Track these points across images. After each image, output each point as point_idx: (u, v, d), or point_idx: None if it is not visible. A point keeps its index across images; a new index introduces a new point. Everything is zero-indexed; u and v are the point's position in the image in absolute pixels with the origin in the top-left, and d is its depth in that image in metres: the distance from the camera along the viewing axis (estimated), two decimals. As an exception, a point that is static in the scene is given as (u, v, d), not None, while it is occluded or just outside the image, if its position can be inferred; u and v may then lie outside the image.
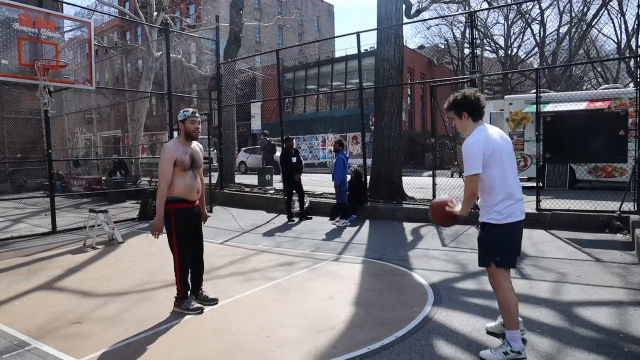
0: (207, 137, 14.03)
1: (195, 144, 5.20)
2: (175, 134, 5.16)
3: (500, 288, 3.73)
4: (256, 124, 18.99)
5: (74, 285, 6.28)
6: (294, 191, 11.28)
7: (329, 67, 35.29)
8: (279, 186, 15.16)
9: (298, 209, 11.41)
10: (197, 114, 5.15)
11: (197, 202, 5.19)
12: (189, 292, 5.19)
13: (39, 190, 20.30)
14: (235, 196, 14.25)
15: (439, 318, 4.74)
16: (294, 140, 11.92)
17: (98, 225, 9.22)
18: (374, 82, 11.91)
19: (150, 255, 8.00)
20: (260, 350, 4.15)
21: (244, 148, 27.56)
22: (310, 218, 11.15)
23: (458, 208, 3.74)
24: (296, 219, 11.04)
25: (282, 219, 11.36)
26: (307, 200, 11.84)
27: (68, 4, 10.49)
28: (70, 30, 11.51)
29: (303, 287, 5.84)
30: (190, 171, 5.03)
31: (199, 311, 5.05)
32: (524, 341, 3.95)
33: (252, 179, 18.48)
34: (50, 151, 10.48)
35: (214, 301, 5.31)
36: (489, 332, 4.26)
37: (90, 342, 4.40)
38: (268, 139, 21.63)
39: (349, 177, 11.11)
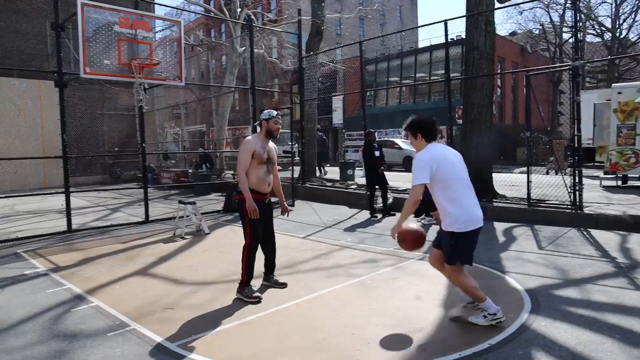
0: (288, 131, 14.27)
1: (272, 143, 5.65)
2: (258, 129, 5.63)
3: (458, 281, 4.44)
4: (338, 118, 18.94)
5: (166, 273, 6.65)
6: (377, 186, 11.17)
7: (412, 58, 34.62)
8: (361, 181, 15.12)
9: (381, 205, 11.29)
10: (279, 117, 5.64)
11: (268, 195, 5.60)
12: (251, 281, 5.50)
13: (133, 181, 21.76)
14: (316, 190, 14.39)
15: (538, 327, 4.43)
16: (376, 134, 11.81)
17: (186, 217, 9.69)
18: (462, 73, 11.50)
19: (235, 246, 8.25)
20: (345, 347, 4.14)
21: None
22: (394, 215, 10.98)
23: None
24: (379, 216, 10.94)
25: (365, 215, 11.32)
26: (391, 196, 11.70)
27: (159, 5, 11.12)
28: (161, 30, 12.13)
29: (388, 286, 5.76)
30: (265, 165, 5.46)
31: (258, 300, 5.30)
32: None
33: (334, 174, 18.59)
34: (144, 145, 11.13)
35: (283, 285, 5.76)
36: (453, 319, 4.61)
37: (182, 328, 4.63)
38: (320, 133, 21.62)
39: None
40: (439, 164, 4.19)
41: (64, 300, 5.57)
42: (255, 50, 19.66)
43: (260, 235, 5.46)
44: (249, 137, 5.48)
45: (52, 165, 19.14)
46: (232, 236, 9.20)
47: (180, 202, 10.10)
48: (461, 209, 4.21)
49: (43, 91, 20.46)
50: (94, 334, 4.56)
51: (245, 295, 5.36)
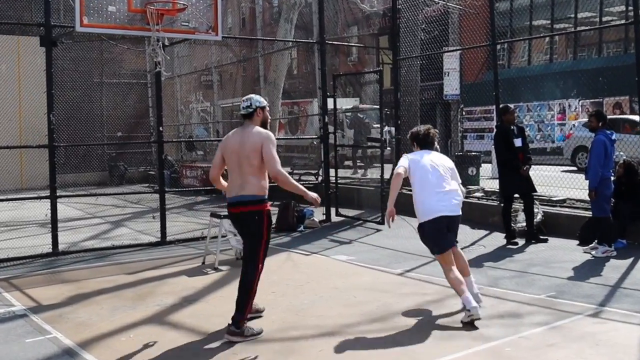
0: (373, 107, 14.21)
1: None
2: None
3: (445, 271, 6.89)
4: (451, 86, 18.51)
5: (192, 322, 6.75)
6: (516, 195, 11.00)
7: (569, -11, 33.46)
8: (490, 186, 14.85)
9: (524, 223, 11.11)
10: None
11: None
12: None
13: (143, 182, 22.47)
14: (418, 199, 14.32)
15: None
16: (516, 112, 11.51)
17: (222, 237, 9.81)
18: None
19: (296, 284, 8.27)
20: None
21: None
22: (545, 240, 10.74)
23: None
24: (520, 241, 10.77)
25: (497, 239, 11.12)
26: (539, 209, 11.45)
27: None
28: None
29: (540, 358, 5.56)
30: None
31: (261, 330, 6.36)
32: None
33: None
34: (160, 129, 11.41)
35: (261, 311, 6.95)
36: (463, 322, 6.48)
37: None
38: (361, 115, 21.19)
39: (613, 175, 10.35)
40: (413, 167, 7.19)
41: (48, 356, 5.71)
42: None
43: None
44: (260, 129, 6.57)
45: (32, 158, 19.90)
46: (290, 269, 9.23)
47: (212, 214, 10.22)
48: (419, 204, 7.13)
49: (22, 52, 21.48)
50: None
51: (250, 333, 6.22)
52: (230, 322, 6.18)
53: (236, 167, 6.47)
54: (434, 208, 6.95)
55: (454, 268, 6.81)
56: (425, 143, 7.52)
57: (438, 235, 6.95)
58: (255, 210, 6.36)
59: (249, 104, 6.66)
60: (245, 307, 6.28)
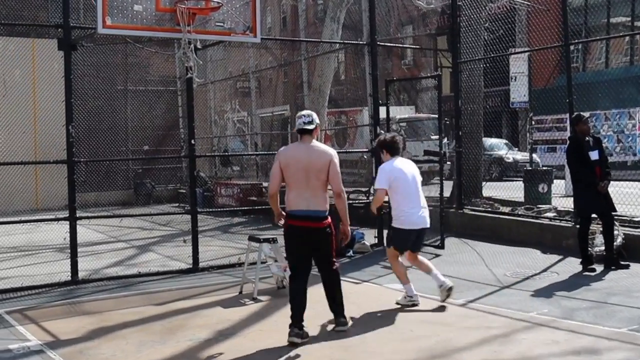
0: (431, 116, 14.22)
1: None
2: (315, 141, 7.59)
3: (392, 263, 9.15)
4: (519, 93, 18.35)
5: (231, 358, 6.82)
6: (593, 215, 10.86)
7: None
8: (564, 205, 14.72)
9: (602, 247, 10.97)
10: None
11: None
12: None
13: (172, 202, 22.73)
14: (483, 221, 14.24)
15: None
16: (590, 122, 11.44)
17: (261, 263, 9.91)
18: None
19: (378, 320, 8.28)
20: None
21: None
22: (627, 266, 10.61)
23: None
24: (598, 267, 10.62)
25: (572, 264, 11.03)
26: (620, 231, 11.27)
27: None
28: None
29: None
30: None
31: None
32: None
33: (511, 189, 18.09)
34: (192, 142, 11.60)
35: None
36: (398, 303, 8.86)
37: None
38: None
39: None
40: (395, 176, 8.81)
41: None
42: (377, -20, 19.76)
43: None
44: (324, 145, 7.87)
45: (49, 175, 20.11)
46: (374, 299, 9.25)
47: (251, 238, 10.32)
48: (401, 214, 8.87)
49: (37, 56, 21.89)
50: None
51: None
52: (339, 320, 7.72)
53: (303, 181, 7.57)
54: (415, 221, 8.90)
55: (400, 260, 9.09)
56: (395, 150, 9.14)
57: (408, 240, 8.97)
58: (326, 225, 7.65)
59: (310, 120, 7.73)
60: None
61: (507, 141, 29.96)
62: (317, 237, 7.66)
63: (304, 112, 8.00)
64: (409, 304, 8.79)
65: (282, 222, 7.96)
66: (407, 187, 8.87)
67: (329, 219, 7.69)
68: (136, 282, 10.77)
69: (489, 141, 28.13)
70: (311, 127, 7.73)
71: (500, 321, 7.95)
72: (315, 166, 7.58)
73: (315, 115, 7.88)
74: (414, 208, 8.86)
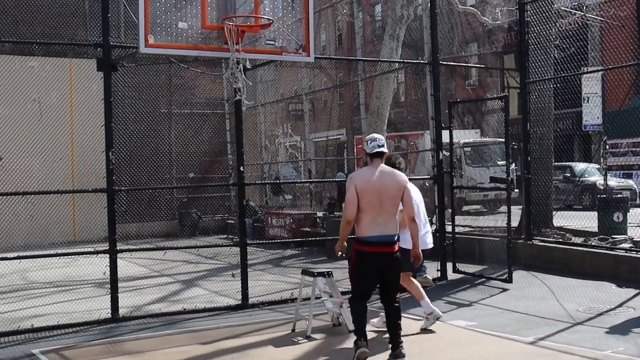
0: (497, 140, 14.15)
1: None
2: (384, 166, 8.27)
3: (406, 284, 9.47)
4: (592, 114, 18.22)
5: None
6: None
7: None
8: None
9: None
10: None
11: None
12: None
13: (219, 233, 22.88)
14: (554, 252, 14.22)
15: None
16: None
17: (316, 299, 9.94)
18: None
19: (406, 356, 8.25)
20: None
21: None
22: None
23: None
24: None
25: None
26: None
27: None
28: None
29: None
30: None
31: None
32: None
33: (583, 218, 17.89)
34: (242, 169, 11.75)
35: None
36: (423, 328, 9.59)
37: None
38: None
39: None
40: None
41: None
42: (439, -6, 19.72)
43: None
44: (396, 170, 8.59)
45: (87, 205, 20.42)
46: (431, 342, 9.23)
47: (304, 271, 10.39)
48: (405, 233, 8.92)
49: (75, 77, 22.26)
50: None
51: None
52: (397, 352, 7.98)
53: (377, 206, 8.10)
54: (425, 241, 9.85)
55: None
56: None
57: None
58: (397, 249, 8.26)
59: (382, 144, 8.38)
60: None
61: (599, 166, 29.53)
62: (388, 261, 8.17)
63: (376, 135, 8.65)
64: (433, 322, 9.53)
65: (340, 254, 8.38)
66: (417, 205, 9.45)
67: (399, 244, 8.32)
68: (181, 320, 10.88)
69: (578, 166, 27.85)
70: (385, 150, 8.42)
71: (574, 362, 7.85)
72: (390, 191, 8.17)
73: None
74: (422, 229, 9.55)
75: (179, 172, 24.81)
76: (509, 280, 12.96)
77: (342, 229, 8.33)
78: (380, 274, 8.19)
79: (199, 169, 24.87)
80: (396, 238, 8.26)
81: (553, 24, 16.80)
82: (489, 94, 35.38)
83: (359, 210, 8.10)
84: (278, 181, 27.98)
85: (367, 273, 8.18)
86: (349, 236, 8.39)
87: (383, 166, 8.36)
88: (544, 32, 15.93)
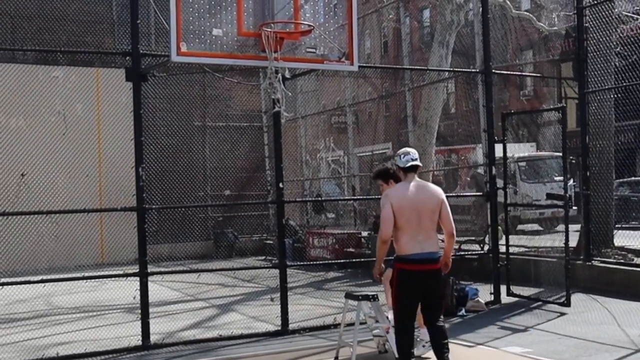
0: (554, 154, 14.13)
1: None
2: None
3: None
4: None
5: None
6: None
7: None
8: None
9: None
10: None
11: None
12: None
13: (257, 254, 22.94)
14: (615, 274, 14.21)
15: None
16: None
17: (360, 324, 9.96)
18: None
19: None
20: None
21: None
22: None
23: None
24: None
25: None
26: None
27: None
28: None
29: None
30: None
31: None
32: None
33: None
34: (281, 185, 11.89)
35: None
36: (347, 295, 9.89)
37: None
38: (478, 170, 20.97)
39: None
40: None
41: None
42: (490, -1, 19.70)
43: None
44: (431, 184, 8.76)
45: (116, 224, 20.37)
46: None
47: (348, 295, 10.41)
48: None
49: (102, 88, 22.46)
50: None
51: None
52: None
53: (416, 223, 8.26)
54: None
55: None
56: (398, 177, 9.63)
57: None
58: (440, 266, 8.39)
59: (416, 157, 8.54)
60: None
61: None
62: (431, 279, 8.33)
63: (409, 148, 8.80)
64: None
65: (380, 276, 8.76)
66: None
67: (439, 263, 8.40)
68: (216, 347, 10.94)
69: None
70: (419, 163, 8.56)
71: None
72: (428, 207, 8.32)
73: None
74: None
75: (213, 189, 24.91)
76: (567, 303, 12.92)
77: (378, 250, 8.52)
78: (423, 295, 8.34)
79: (235, 185, 24.96)
80: (439, 255, 8.40)
81: (614, 30, 16.72)
82: (545, 104, 35.25)
83: (397, 229, 8.29)
84: (320, 198, 28.02)
85: (411, 292, 8.31)
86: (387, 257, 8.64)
87: (418, 180, 8.55)
88: (604, 39, 15.86)
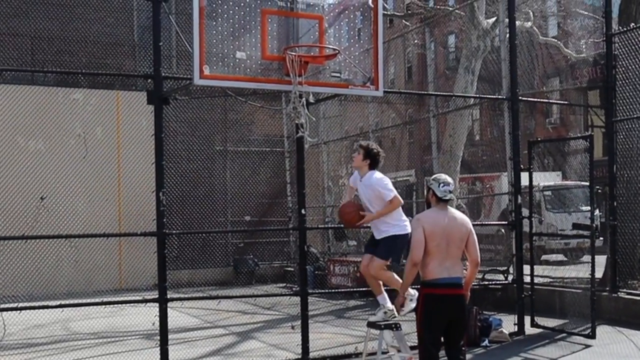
0: (581, 184, 14.07)
1: None
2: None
3: (374, 272, 10.52)
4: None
5: None
6: None
7: None
8: None
9: None
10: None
11: None
12: None
13: (278, 281, 22.90)
14: (643, 305, 14.08)
15: None
16: None
17: (382, 353, 9.93)
18: None
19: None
20: None
21: None
22: None
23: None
24: None
25: None
26: None
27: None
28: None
29: None
30: None
31: None
32: None
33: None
34: (303, 212, 11.89)
35: None
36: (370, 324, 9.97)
37: None
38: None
39: None
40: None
41: None
42: (518, 24, 19.66)
43: None
44: (461, 213, 8.86)
45: (135, 249, 20.44)
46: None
47: (370, 324, 10.38)
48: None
49: (122, 111, 22.57)
50: None
51: None
52: None
53: (444, 249, 8.50)
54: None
55: None
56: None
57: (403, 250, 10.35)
58: (464, 292, 8.61)
59: (452, 189, 8.81)
60: None
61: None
62: (457, 304, 8.51)
63: (449, 178, 8.93)
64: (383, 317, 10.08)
65: (404, 307, 9.23)
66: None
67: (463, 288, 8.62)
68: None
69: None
70: (454, 197, 9.14)
71: None
72: (457, 235, 8.61)
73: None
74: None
75: (234, 215, 24.88)
76: (592, 335, 12.85)
77: (407, 273, 8.67)
78: (448, 321, 8.46)
79: (256, 211, 24.94)
80: (463, 282, 8.61)
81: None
82: (571, 133, 35.00)
83: (426, 254, 8.47)
84: (342, 225, 27.93)
85: (438, 317, 8.42)
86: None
87: (450, 209, 8.81)
88: (634, 66, 15.79)
